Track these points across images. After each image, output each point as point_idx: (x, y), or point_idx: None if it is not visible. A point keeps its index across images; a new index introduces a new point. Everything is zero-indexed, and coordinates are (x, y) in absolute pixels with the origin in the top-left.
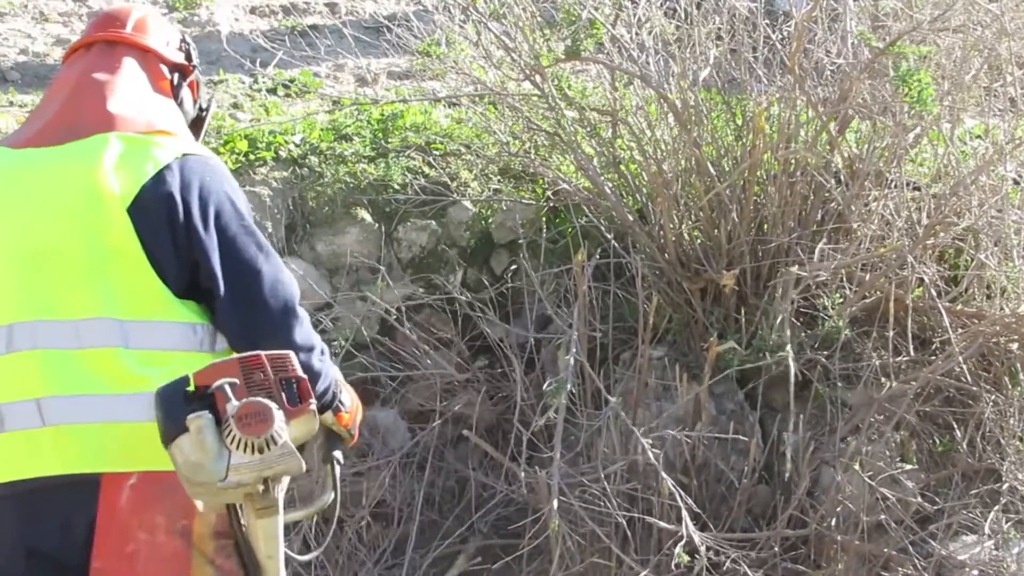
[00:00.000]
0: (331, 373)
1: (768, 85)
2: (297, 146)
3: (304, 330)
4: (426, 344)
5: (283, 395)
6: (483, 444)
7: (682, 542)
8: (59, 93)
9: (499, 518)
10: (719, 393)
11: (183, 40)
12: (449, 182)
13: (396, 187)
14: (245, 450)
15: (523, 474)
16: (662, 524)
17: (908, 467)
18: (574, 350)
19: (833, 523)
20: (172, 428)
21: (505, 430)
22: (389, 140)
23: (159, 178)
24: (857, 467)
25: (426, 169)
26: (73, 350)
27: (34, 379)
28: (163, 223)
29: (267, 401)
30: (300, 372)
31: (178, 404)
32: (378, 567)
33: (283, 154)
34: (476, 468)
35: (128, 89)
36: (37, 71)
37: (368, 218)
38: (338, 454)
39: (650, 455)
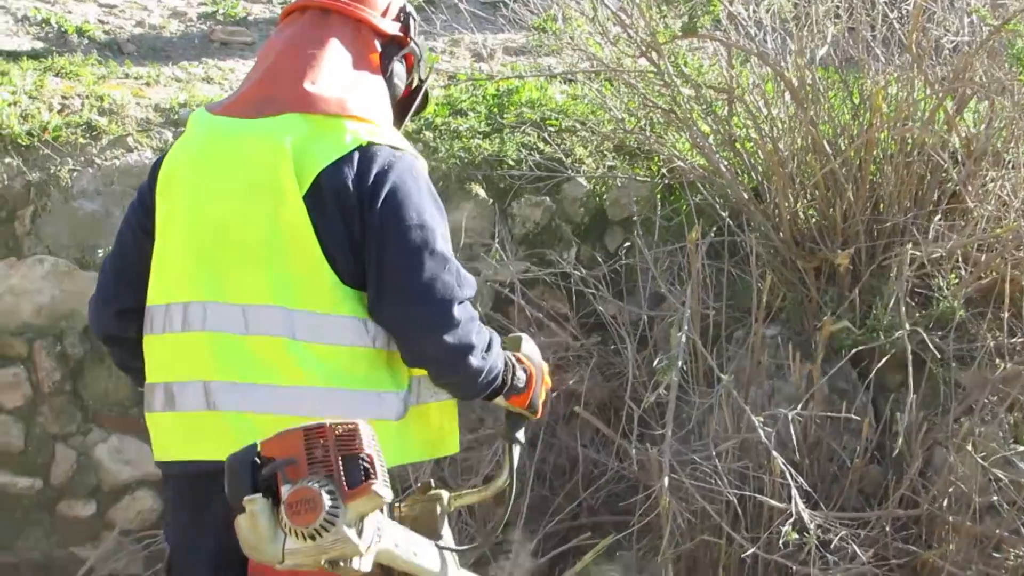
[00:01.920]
0: (496, 366)
1: (886, 64)
2: (412, 121)
3: (460, 331)
4: (539, 320)
5: (343, 475)
6: (594, 421)
7: (790, 522)
8: (264, 60)
9: (610, 495)
10: (832, 372)
11: (403, 9)
12: (564, 158)
13: (511, 163)
14: (297, 537)
15: (634, 451)
16: (773, 502)
17: (1021, 448)
18: (686, 327)
19: (945, 504)
20: (234, 504)
21: (616, 407)
22: (504, 116)
23: (337, 166)
24: (970, 448)
25: (541, 145)
26: (240, 335)
27: (203, 361)
28: (336, 213)
29: (317, 487)
30: (367, 447)
31: (243, 478)
32: (489, 543)
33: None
34: (587, 445)
35: (330, 66)
36: (153, 43)
37: (482, 194)
38: (520, 434)
39: (761, 434)
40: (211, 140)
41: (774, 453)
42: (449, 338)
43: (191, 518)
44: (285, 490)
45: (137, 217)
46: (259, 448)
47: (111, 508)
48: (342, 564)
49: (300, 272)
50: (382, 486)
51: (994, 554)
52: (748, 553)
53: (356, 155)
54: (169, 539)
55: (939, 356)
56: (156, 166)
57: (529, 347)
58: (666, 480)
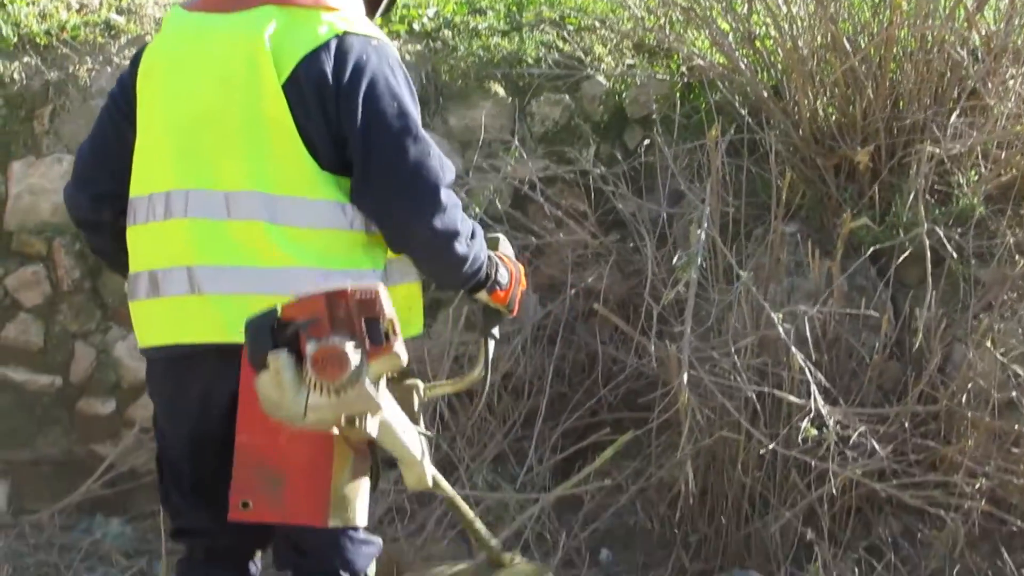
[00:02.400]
0: (480, 256)
1: None
2: (430, 19)
3: (447, 216)
4: (558, 218)
5: (366, 335)
6: (613, 318)
7: (809, 418)
8: None
9: (628, 392)
10: (851, 269)
11: None
12: (583, 56)
13: (529, 61)
14: (322, 392)
15: (653, 348)
16: (791, 398)
17: None
18: (706, 225)
19: (964, 400)
20: (256, 362)
21: (636, 304)
22: (523, 14)
23: (314, 56)
24: (989, 344)
25: (560, 43)
26: (222, 221)
27: (186, 247)
28: (315, 101)
29: (344, 344)
30: (388, 310)
31: (263, 338)
32: (507, 439)
33: (416, 28)
34: (606, 342)
35: None
36: None
37: (501, 92)
38: (496, 331)
39: (780, 331)
40: (188, 35)
41: (793, 349)
42: (436, 222)
43: (172, 396)
44: (310, 347)
45: (116, 104)
46: (279, 311)
47: (130, 405)
48: (358, 423)
49: (280, 159)
50: (401, 347)
51: (1012, 449)
52: (767, 450)
53: (333, 45)
54: (157, 428)
55: (958, 253)
56: (136, 58)
57: (507, 247)
58: (685, 376)
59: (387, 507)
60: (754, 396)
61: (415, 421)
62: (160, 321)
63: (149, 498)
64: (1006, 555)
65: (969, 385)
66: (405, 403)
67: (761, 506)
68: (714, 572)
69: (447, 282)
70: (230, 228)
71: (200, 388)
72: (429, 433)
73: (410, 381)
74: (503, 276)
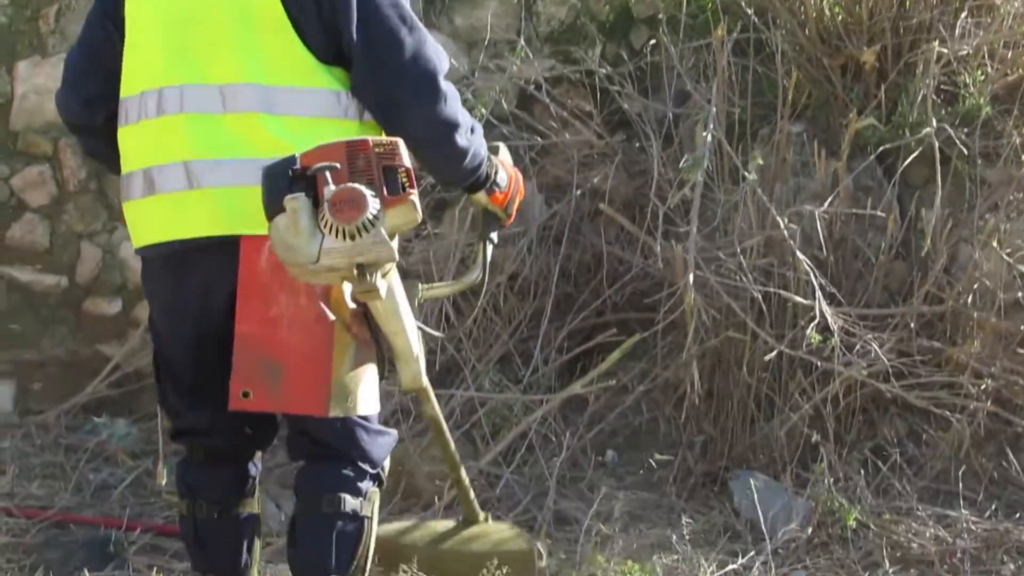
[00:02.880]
0: (480, 152)
1: None
2: None
3: (449, 106)
4: (564, 118)
5: (384, 183)
6: (619, 218)
7: (815, 322)
8: None
9: (634, 292)
10: (857, 169)
11: None
12: None
13: None
14: (337, 235)
15: (659, 248)
16: (797, 299)
17: None
18: (712, 126)
19: (969, 300)
20: (272, 206)
21: (641, 205)
22: None
23: None
24: (995, 244)
25: None
26: (218, 114)
27: (182, 142)
28: None
29: (362, 188)
30: (406, 161)
31: (281, 183)
32: (513, 339)
33: None
34: (612, 242)
35: None
36: None
37: None
38: (494, 235)
39: (785, 232)
40: None
41: (797, 252)
42: (437, 109)
43: (171, 294)
44: (328, 190)
45: (105, 6)
46: (298, 159)
47: (136, 306)
48: (368, 277)
49: (274, 50)
50: (418, 200)
51: (1018, 350)
52: (773, 354)
53: None
54: (153, 329)
55: (965, 153)
56: None
57: (506, 155)
58: (691, 277)
59: (392, 409)
60: (760, 297)
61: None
62: (158, 218)
63: (155, 399)
64: (1011, 456)
65: (975, 285)
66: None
67: (767, 407)
68: (719, 473)
69: (448, 175)
70: (227, 121)
71: (200, 283)
72: (438, 333)
73: (408, 282)
74: (502, 179)
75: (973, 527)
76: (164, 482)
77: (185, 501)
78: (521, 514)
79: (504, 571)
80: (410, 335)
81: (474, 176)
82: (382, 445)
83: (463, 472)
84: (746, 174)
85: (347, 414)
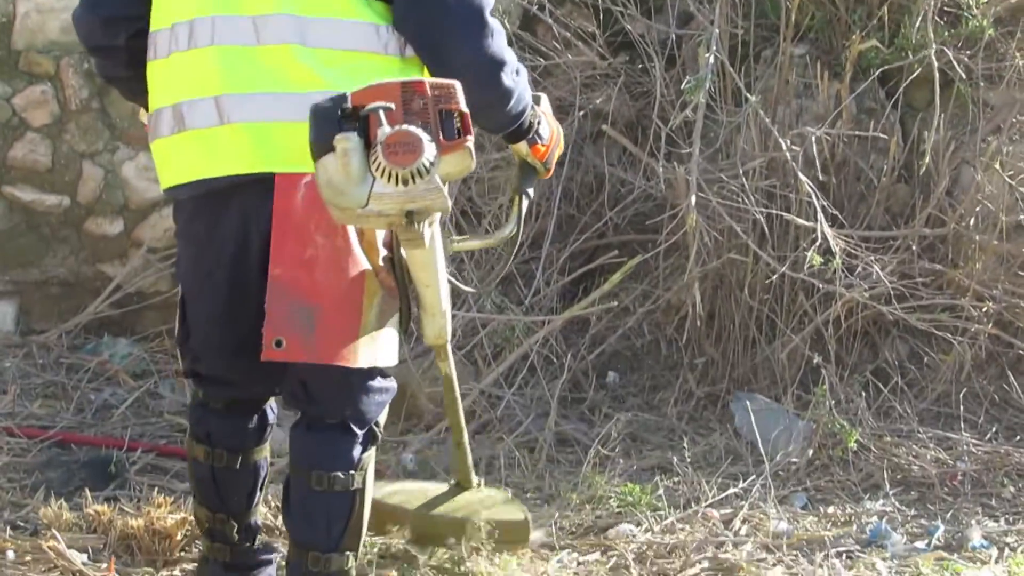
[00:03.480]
0: (525, 96)
1: None
2: None
3: (495, 42)
4: (567, 39)
5: (440, 127)
6: (622, 139)
7: (817, 244)
8: None
9: (637, 214)
10: (860, 91)
11: None
12: None
13: None
14: (389, 179)
15: (661, 170)
16: (799, 221)
17: None
18: (715, 47)
19: (971, 222)
20: (320, 145)
21: (644, 126)
22: None
23: None
24: (997, 166)
25: None
26: (251, 47)
27: (213, 76)
28: None
29: (419, 131)
30: (463, 106)
31: (330, 121)
32: (515, 260)
33: None
34: (614, 164)
35: None
36: None
37: None
38: (530, 189)
39: (787, 153)
40: None
41: (799, 174)
42: (484, 45)
43: (205, 238)
44: (382, 132)
45: None
46: (349, 97)
47: (138, 226)
48: (416, 225)
49: None
50: (473, 146)
51: (1020, 273)
52: (775, 277)
53: None
54: (181, 265)
55: (967, 75)
56: None
57: (547, 106)
58: (693, 198)
59: None
60: (762, 219)
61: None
62: (188, 156)
63: (156, 319)
64: (1012, 378)
65: (977, 208)
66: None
67: (768, 330)
68: (720, 395)
69: (491, 119)
70: (260, 53)
71: (236, 224)
72: (470, 289)
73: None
74: (544, 130)
75: (973, 450)
76: None
77: (203, 447)
78: (522, 435)
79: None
80: (441, 289)
81: (517, 123)
82: (379, 403)
83: (465, 436)
84: (748, 96)
85: (373, 365)
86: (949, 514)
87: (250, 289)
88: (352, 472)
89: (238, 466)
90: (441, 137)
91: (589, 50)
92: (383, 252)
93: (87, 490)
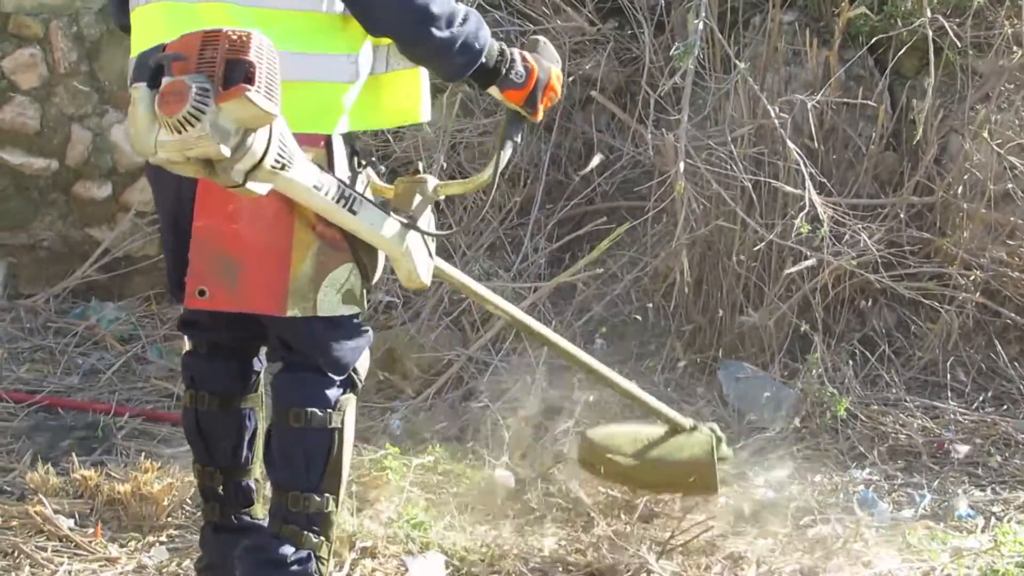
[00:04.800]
0: (473, 43)
1: None
2: None
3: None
4: (556, 4)
5: (223, 77)
6: (610, 105)
7: (805, 211)
8: None
9: (625, 180)
10: (849, 59)
11: None
12: None
13: None
14: (166, 128)
15: (650, 136)
16: (787, 188)
17: None
18: (704, 13)
19: (960, 191)
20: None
21: (633, 92)
22: None
23: None
24: (986, 135)
25: None
26: (192, 3)
27: (160, 29)
28: None
29: (187, 80)
30: (253, 56)
31: (141, 70)
32: (503, 226)
33: None
34: (603, 130)
35: None
36: None
37: None
38: (517, 136)
39: (775, 121)
40: None
41: (788, 142)
42: (407, 1)
43: (156, 185)
44: (164, 82)
45: None
46: (164, 47)
47: (126, 190)
48: (222, 173)
49: None
50: (259, 95)
51: (1008, 241)
52: (763, 244)
53: None
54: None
55: (957, 43)
56: None
57: (544, 49)
58: (681, 165)
59: (382, 297)
60: (750, 186)
61: (415, 217)
62: None
63: (144, 284)
64: (999, 347)
65: (965, 176)
66: (404, 197)
67: (756, 297)
68: (708, 363)
69: (436, 70)
70: (199, 11)
71: (171, 178)
72: (433, 232)
73: (420, 176)
74: (518, 74)
75: (960, 418)
76: None
77: (188, 392)
78: (508, 402)
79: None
80: (389, 238)
81: (469, 70)
82: (353, 349)
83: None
84: (737, 63)
85: (305, 314)
86: (936, 483)
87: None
88: (330, 411)
89: (219, 408)
90: (220, 86)
91: (578, 16)
92: None
93: (74, 455)
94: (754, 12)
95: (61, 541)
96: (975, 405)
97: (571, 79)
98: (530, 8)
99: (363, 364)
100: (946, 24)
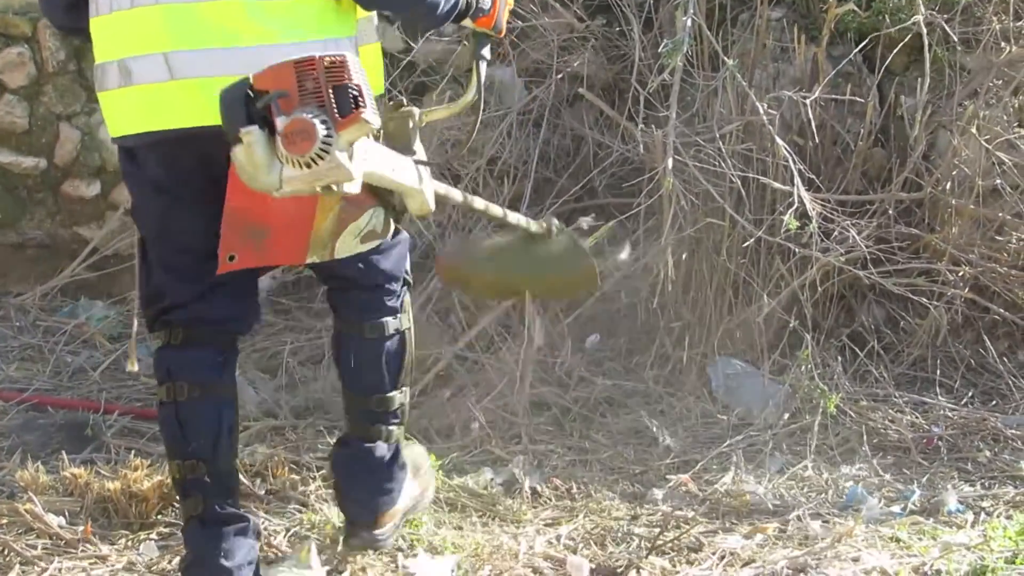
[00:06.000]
0: None
1: None
2: None
3: None
4: (543, 0)
5: (334, 104)
6: (599, 103)
7: (793, 208)
8: None
9: (614, 177)
10: (837, 55)
11: None
12: None
13: None
14: (294, 165)
15: (639, 133)
16: (776, 184)
17: None
18: (692, 10)
19: (948, 187)
20: (230, 136)
21: (622, 89)
22: None
23: None
24: (974, 131)
25: None
26: (193, 3)
27: (159, 33)
28: None
29: (311, 118)
30: (355, 76)
31: (236, 111)
32: (492, 225)
33: None
34: (592, 127)
35: None
36: None
37: None
38: (486, 51)
39: (764, 117)
40: None
41: (776, 138)
42: None
43: (165, 169)
44: (280, 122)
45: None
46: (251, 81)
47: (115, 188)
48: (334, 188)
49: None
50: (371, 113)
51: (996, 237)
52: (752, 241)
53: None
54: (139, 209)
55: (945, 39)
56: None
57: None
58: (670, 162)
59: None
60: (739, 182)
61: (410, 149)
62: (136, 108)
63: (133, 282)
64: (988, 343)
65: (954, 172)
66: (400, 133)
67: (745, 294)
68: (698, 359)
69: (426, 25)
70: (204, 10)
71: (191, 167)
72: (426, 162)
73: (405, 108)
74: (485, 2)
75: (949, 414)
76: (135, 368)
77: (164, 386)
78: (496, 398)
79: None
80: (404, 176)
81: (452, 14)
82: (400, 257)
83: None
84: (725, 59)
85: (322, 259)
86: (925, 478)
87: (215, 219)
88: (400, 315)
89: (199, 397)
90: (336, 115)
91: (567, 12)
92: None
93: (64, 453)
94: (742, 8)
95: (51, 539)
96: (964, 400)
97: (559, 76)
98: (518, 5)
99: (408, 262)
100: (935, 20)
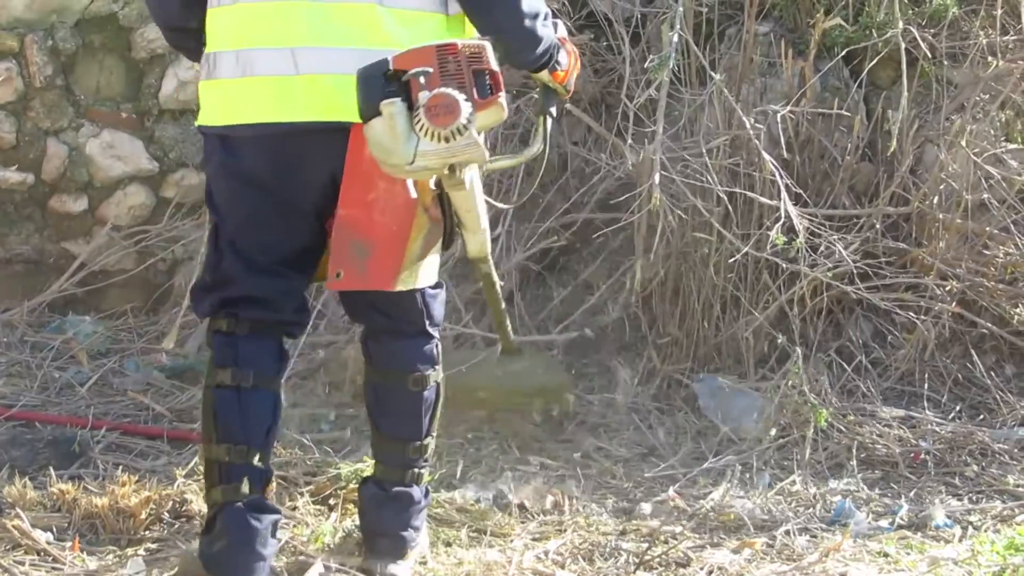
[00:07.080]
0: (552, 38)
1: None
2: None
3: None
4: None
5: (474, 86)
6: (586, 118)
7: (780, 222)
8: None
9: (601, 192)
10: (824, 70)
11: None
12: None
13: None
14: (432, 138)
15: (628, 149)
16: (763, 199)
17: (1012, 146)
18: (679, 25)
19: (935, 201)
20: (369, 110)
21: (609, 104)
22: None
23: None
24: (962, 145)
25: None
26: (326, 3)
27: (293, 28)
28: None
29: (456, 93)
30: (494, 64)
31: (376, 87)
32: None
33: None
34: (579, 143)
35: None
36: None
37: None
38: (553, 109)
39: (750, 132)
40: None
41: (763, 153)
42: (522, 3)
43: (268, 163)
44: (423, 96)
45: None
46: (390, 62)
47: (103, 204)
48: (458, 173)
49: None
50: (505, 100)
51: (983, 251)
52: (739, 256)
53: None
54: (225, 195)
55: (931, 54)
56: None
57: (563, 30)
58: (657, 177)
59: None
60: (725, 197)
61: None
62: (256, 99)
63: (120, 297)
64: (975, 357)
65: (941, 186)
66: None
67: (732, 309)
68: (685, 374)
69: (523, 61)
70: (335, 11)
71: (300, 161)
72: (505, 206)
73: None
74: (563, 58)
75: (937, 428)
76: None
77: (229, 370)
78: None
79: None
80: (479, 211)
81: (544, 59)
82: (441, 302)
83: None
84: (713, 74)
85: (406, 287)
86: (913, 493)
87: (304, 220)
88: (438, 367)
89: (263, 386)
90: (476, 95)
91: None
92: (434, 190)
93: (51, 469)
94: (729, 23)
95: (39, 555)
96: (951, 415)
97: None
98: None
99: (443, 312)
100: (920, 35)
